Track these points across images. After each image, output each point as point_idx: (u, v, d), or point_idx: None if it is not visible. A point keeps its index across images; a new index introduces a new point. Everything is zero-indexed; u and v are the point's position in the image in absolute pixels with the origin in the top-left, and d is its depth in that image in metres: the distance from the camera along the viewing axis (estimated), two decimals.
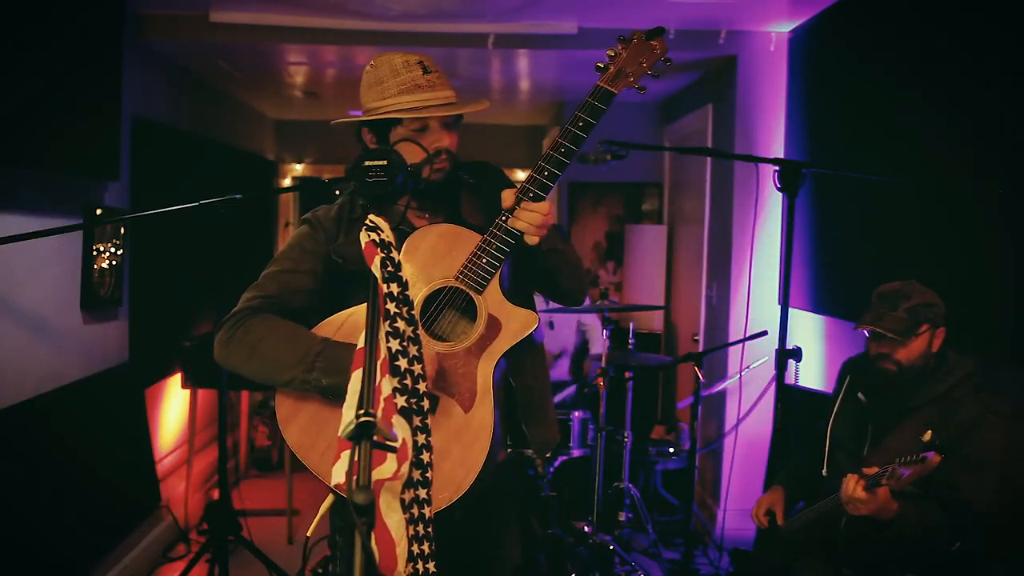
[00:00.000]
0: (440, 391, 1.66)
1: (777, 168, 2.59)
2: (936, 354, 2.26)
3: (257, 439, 5.27)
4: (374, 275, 1.36)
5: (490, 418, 1.66)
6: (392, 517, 1.29)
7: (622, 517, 3.71)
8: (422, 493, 1.45)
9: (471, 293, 1.69)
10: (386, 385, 1.25)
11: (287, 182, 6.66)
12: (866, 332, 2.31)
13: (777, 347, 2.67)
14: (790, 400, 3.22)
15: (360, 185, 1.51)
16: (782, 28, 3.93)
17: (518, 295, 1.77)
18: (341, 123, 1.87)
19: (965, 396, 2.18)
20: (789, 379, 3.31)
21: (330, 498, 1.48)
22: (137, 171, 3.75)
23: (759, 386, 4.01)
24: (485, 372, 1.68)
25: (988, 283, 2.47)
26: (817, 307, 3.64)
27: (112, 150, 3.33)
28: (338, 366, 1.58)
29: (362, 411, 1.09)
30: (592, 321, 4.47)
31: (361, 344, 1.23)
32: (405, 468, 1.23)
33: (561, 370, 4.44)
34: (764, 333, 3.51)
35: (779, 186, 2.57)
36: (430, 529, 1.46)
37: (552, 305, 3.28)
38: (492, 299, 1.69)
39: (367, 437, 1.07)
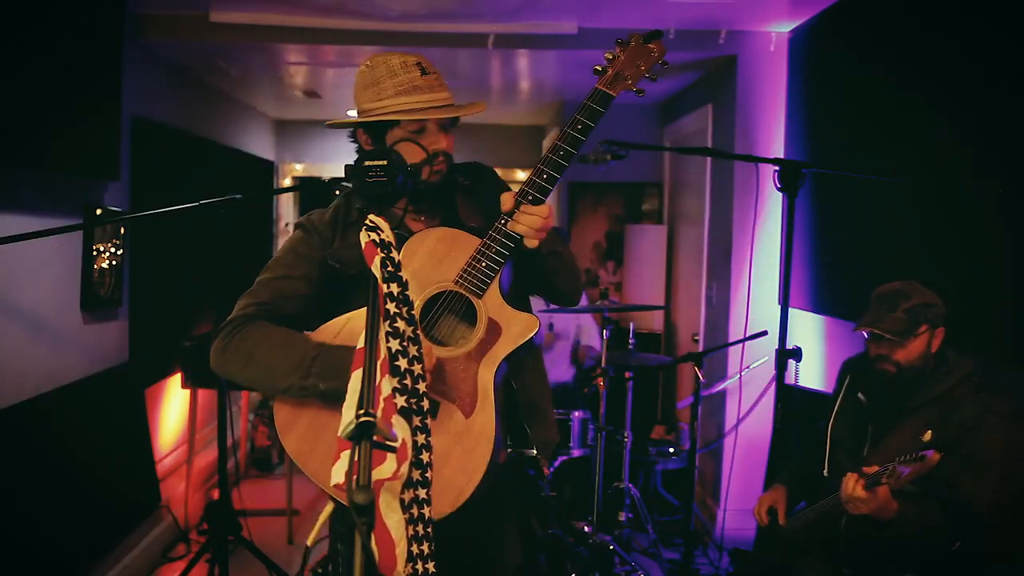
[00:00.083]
0: (440, 396, 1.65)
1: (777, 168, 2.59)
2: (936, 354, 2.26)
3: (257, 439, 5.27)
4: (374, 275, 1.36)
5: (491, 423, 1.64)
6: (392, 517, 1.29)
7: (622, 517, 3.71)
8: (422, 493, 1.45)
9: (471, 297, 1.67)
10: (386, 385, 1.24)
11: (287, 182, 6.66)
12: (865, 333, 2.32)
13: (777, 347, 2.67)
14: (790, 400, 3.22)
15: (360, 185, 1.50)
16: (782, 28, 3.93)
17: (516, 298, 1.77)
18: (336, 124, 1.85)
19: (965, 396, 2.18)
20: (789, 379, 3.31)
21: (330, 506, 1.48)
22: (137, 171, 3.75)
23: (759, 386, 4.01)
24: (486, 377, 1.66)
25: (988, 283, 2.47)
26: (817, 307, 3.64)
27: (112, 150, 3.33)
28: (335, 370, 1.57)
29: (362, 411, 1.09)
30: (586, 317, 4.48)
31: (361, 344, 1.23)
32: (405, 468, 1.23)
33: (561, 367, 4.43)
34: (764, 333, 3.51)
35: (779, 186, 2.57)
36: (430, 529, 1.46)
37: (550, 306, 3.28)
38: (492, 303, 1.68)
39: (367, 437, 1.07)
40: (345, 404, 1.20)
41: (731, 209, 4.10)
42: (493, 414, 1.65)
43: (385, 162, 1.50)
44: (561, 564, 3.23)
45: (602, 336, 3.62)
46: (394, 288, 1.41)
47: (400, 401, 1.39)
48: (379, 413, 1.16)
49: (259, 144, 6.13)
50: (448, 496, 1.59)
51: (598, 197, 5.69)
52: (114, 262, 3.49)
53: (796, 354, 3.10)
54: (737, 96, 4.04)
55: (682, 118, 5.09)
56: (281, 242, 6.28)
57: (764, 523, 2.55)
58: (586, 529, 3.45)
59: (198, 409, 4.25)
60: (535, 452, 1.86)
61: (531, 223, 1.63)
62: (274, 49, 4.14)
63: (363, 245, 1.42)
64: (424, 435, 1.46)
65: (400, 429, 1.25)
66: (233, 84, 5.06)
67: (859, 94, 3.26)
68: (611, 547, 3.39)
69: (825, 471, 2.43)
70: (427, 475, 1.47)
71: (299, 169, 6.71)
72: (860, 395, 2.43)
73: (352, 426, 1.07)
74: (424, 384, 1.46)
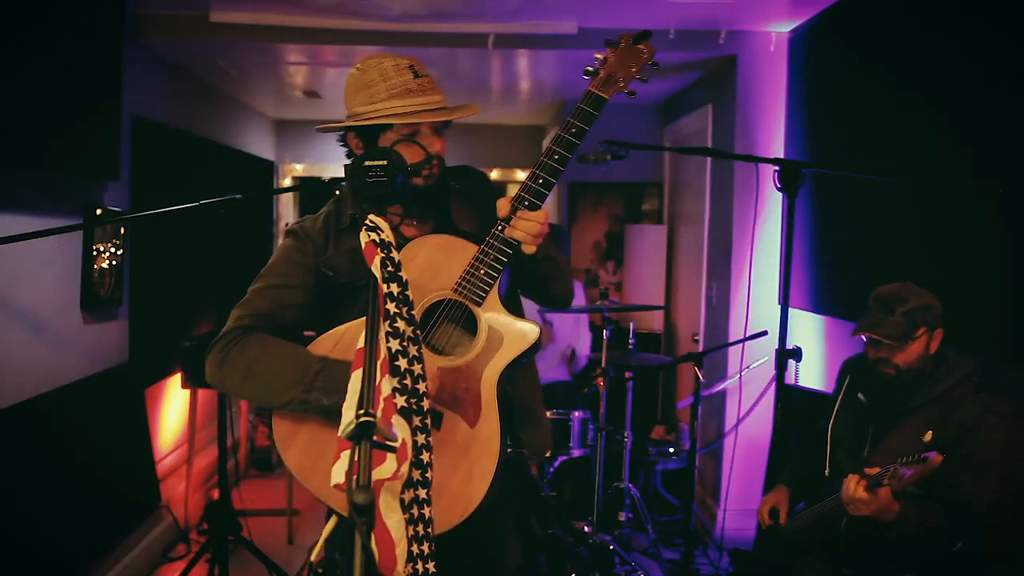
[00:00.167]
0: (443, 406, 1.62)
1: (777, 168, 2.58)
2: (935, 355, 2.26)
3: (257, 439, 5.27)
4: (374, 275, 1.36)
5: (497, 431, 1.62)
6: (392, 517, 1.29)
7: (622, 517, 3.71)
8: (422, 493, 1.45)
9: (470, 306, 1.64)
10: (386, 385, 1.25)
11: (287, 182, 6.66)
12: (864, 337, 2.31)
13: (777, 347, 2.66)
14: (790, 400, 3.22)
15: (360, 185, 1.50)
16: (782, 28, 3.93)
17: (511, 301, 1.74)
18: (328, 128, 1.81)
19: (965, 396, 2.18)
20: (789, 379, 3.31)
21: (333, 520, 1.47)
22: (137, 171, 3.75)
23: (759, 386, 4.01)
24: (489, 385, 1.63)
25: (988, 283, 2.47)
26: (817, 307, 3.64)
27: (112, 150, 3.33)
28: (339, 384, 1.51)
29: (362, 411, 1.09)
30: (584, 326, 4.48)
31: (361, 344, 1.23)
32: (405, 468, 1.23)
33: (557, 367, 4.43)
34: (764, 333, 3.51)
35: (779, 186, 2.57)
36: (430, 529, 1.46)
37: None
38: (491, 311, 1.65)
39: (367, 437, 1.07)
40: (345, 404, 1.20)
41: (731, 209, 4.10)
42: (498, 423, 1.62)
43: (385, 162, 1.49)
44: (561, 564, 3.23)
45: (602, 336, 3.62)
46: (394, 288, 1.42)
47: (400, 401, 1.40)
48: (379, 413, 1.16)
49: (259, 144, 6.13)
50: (458, 508, 1.57)
51: (598, 197, 5.69)
52: (114, 262, 3.49)
53: (796, 354, 3.10)
54: (737, 96, 4.04)
55: (682, 118, 5.09)
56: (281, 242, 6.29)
57: (767, 524, 2.55)
58: (586, 529, 3.45)
59: (198, 409, 4.25)
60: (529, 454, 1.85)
61: (529, 229, 1.61)
62: (274, 49, 4.14)
63: (363, 245, 1.42)
64: (424, 435, 1.46)
65: (400, 429, 1.25)
66: (233, 84, 5.06)
67: (859, 94, 3.26)
68: (611, 547, 3.39)
69: (826, 471, 2.43)
70: (427, 475, 1.46)
71: (299, 169, 6.71)
72: (860, 395, 2.43)
73: (352, 426, 1.07)
74: (424, 384, 1.46)
